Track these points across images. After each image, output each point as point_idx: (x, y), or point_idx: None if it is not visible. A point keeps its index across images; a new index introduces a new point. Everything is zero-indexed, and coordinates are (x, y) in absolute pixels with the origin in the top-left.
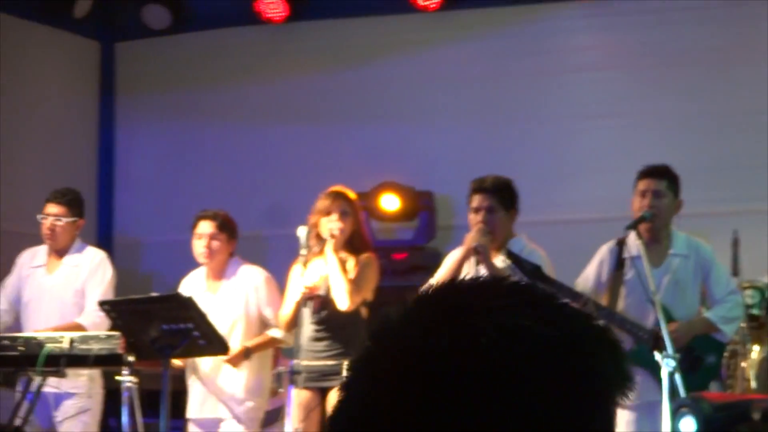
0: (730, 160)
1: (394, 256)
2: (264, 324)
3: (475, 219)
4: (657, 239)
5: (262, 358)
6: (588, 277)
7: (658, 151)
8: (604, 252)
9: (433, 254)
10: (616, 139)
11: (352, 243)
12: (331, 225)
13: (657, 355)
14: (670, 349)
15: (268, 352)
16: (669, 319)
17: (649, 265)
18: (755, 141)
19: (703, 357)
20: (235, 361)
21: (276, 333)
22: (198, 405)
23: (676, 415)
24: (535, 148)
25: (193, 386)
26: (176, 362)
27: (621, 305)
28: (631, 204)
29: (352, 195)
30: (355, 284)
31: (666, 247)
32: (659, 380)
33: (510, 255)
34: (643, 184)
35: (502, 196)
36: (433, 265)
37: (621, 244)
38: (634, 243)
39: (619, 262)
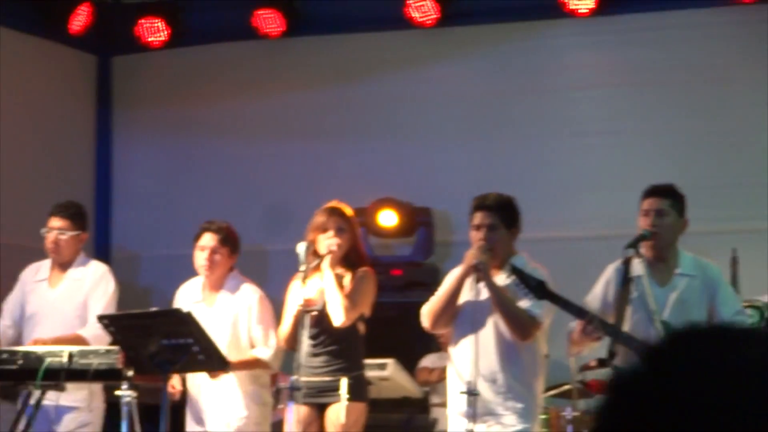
0: (730, 178)
1: (392, 272)
2: (252, 344)
3: (476, 236)
4: (662, 258)
5: (258, 374)
6: (595, 296)
7: (657, 169)
8: (610, 272)
9: (432, 270)
10: (615, 156)
11: (349, 258)
12: (328, 242)
13: None
14: None
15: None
16: None
17: (654, 284)
18: (755, 159)
19: None
20: (214, 374)
21: (262, 353)
22: (193, 419)
23: None
24: (534, 165)
25: (189, 400)
26: (175, 385)
27: (627, 325)
28: (637, 223)
29: (348, 211)
30: (351, 300)
31: (672, 267)
32: None
33: (514, 270)
34: (646, 204)
35: (503, 213)
36: (431, 281)
37: (627, 263)
38: (638, 262)
39: (625, 282)
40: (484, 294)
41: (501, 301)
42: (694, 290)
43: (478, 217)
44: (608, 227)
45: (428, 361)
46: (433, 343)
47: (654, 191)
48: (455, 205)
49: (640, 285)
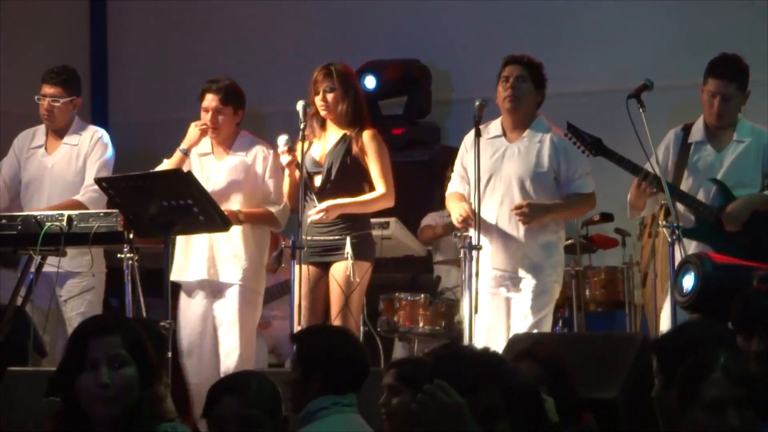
0: (734, 34)
1: (393, 131)
2: (263, 198)
3: (504, 87)
4: (723, 127)
5: (262, 233)
6: (655, 158)
7: (659, 25)
8: (670, 136)
9: (432, 128)
10: (618, 9)
11: (350, 116)
12: (310, 213)
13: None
14: None
15: (266, 230)
16: (730, 199)
17: (712, 149)
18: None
19: (762, 237)
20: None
21: (273, 208)
22: (193, 268)
23: (680, 271)
24: (535, 19)
25: (186, 250)
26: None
27: (683, 186)
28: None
29: (341, 68)
30: (386, 185)
31: (731, 134)
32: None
33: (570, 128)
34: (712, 86)
35: (533, 71)
36: (432, 139)
37: (687, 129)
38: (699, 128)
39: (684, 146)
40: (507, 159)
41: (563, 212)
42: (749, 154)
43: (508, 70)
44: (611, 81)
45: (430, 219)
46: (435, 201)
47: (722, 74)
48: (455, 62)
49: (698, 150)
